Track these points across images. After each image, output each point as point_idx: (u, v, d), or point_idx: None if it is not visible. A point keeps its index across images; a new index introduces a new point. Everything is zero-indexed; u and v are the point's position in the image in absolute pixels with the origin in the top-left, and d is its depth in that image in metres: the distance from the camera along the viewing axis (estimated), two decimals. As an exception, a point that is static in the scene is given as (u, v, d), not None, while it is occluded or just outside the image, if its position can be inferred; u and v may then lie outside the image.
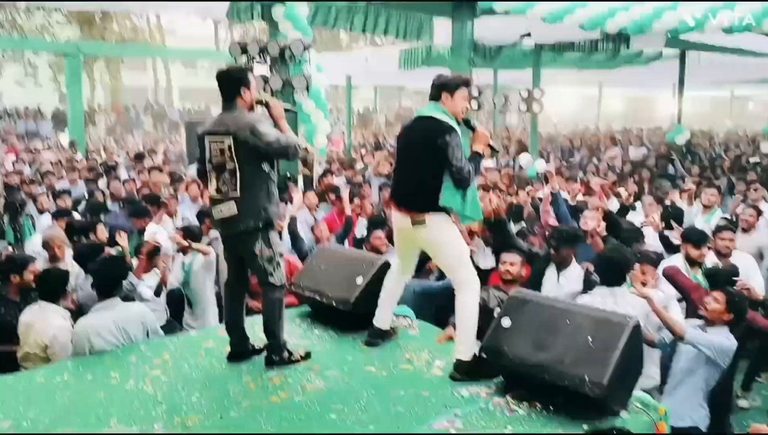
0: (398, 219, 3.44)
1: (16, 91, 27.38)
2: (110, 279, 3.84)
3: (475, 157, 3.39)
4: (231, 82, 3.41)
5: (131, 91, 29.84)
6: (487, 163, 12.13)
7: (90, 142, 17.41)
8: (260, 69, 8.58)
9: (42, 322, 3.78)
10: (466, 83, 3.46)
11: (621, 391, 3.03)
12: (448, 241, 3.36)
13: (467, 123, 3.51)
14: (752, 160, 13.14)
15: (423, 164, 3.29)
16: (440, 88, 3.40)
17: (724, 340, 3.79)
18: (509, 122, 17.49)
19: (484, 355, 3.26)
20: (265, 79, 8.40)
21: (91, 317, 3.73)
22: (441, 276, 4.84)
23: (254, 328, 3.62)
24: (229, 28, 26.78)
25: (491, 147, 3.53)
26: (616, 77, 18.58)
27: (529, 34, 11.80)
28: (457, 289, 3.40)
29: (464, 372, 3.30)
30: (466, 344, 3.33)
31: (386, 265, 4.05)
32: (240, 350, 3.57)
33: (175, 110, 27.88)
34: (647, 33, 9.84)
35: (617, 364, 2.91)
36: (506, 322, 3.29)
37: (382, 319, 3.76)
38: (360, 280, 3.97)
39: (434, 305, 4.63)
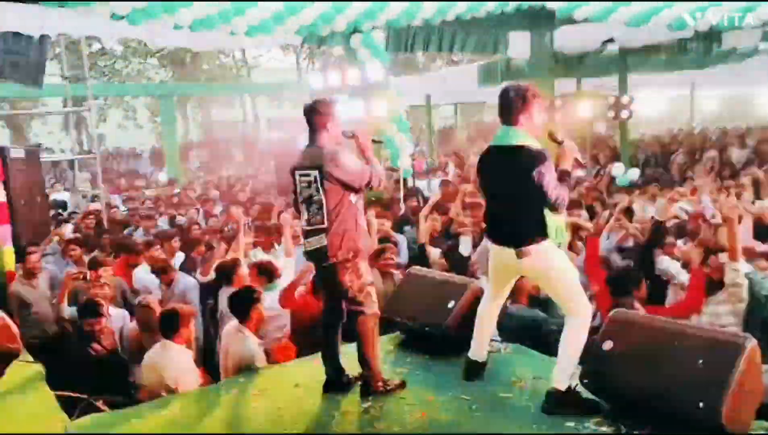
0: (499, 252, 3.28)
1: (118, 133, 29.33)
2: (240, 305, 4.16)
3: (565, 177, 3.18)
4: (317, 116, 3.48)
5: (221, 125, 31.23)
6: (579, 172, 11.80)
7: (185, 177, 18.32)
8: (340, 97, 8.76)
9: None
10: (536, 95, 3.20)
11: (741, 418, 2.81)
12: (556, 269, 3.18)
13: (552, 137, 3.32)
14: None
15: (519, 198, 3.12)
16: (516, 112, 3.15)
17: None
18: (597, 130, 17.03)
19: (579, 387, 3.12)
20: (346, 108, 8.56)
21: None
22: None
23: (349, 358, 3.64)
24: (310, 58, 27.58)
25: (578, 162, 3.34)
26: (709, 77, 17.64)
27: (612, 40, 11.43)
28: (568, 317, 3.21)
29: (557, 403, 3.13)
30: (565, 373, 3.15)
31: (478, 289, 3.98)
32: (335, 381, 3.58)
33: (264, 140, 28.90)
34: (741, 28, 9.31)
35: (734, 389, 2.71)
36: (608, 344, 3.14)
37: (477, 351, 3.58)
38: (452, 304, 3.92)
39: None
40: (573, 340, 3.16)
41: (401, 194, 8.98)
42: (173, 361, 3.88)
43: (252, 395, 3.56)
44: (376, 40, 8.76)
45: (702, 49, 11.32)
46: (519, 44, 10.96)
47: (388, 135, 8.56)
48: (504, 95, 3.21)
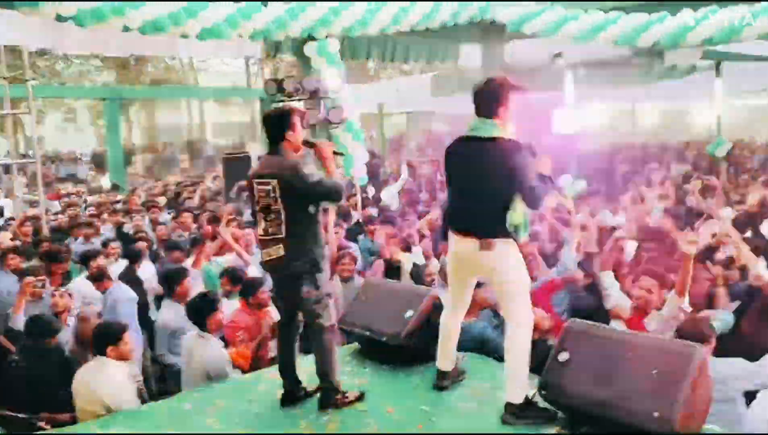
0: (459, 244, 3.21)
1: (57, 136, 28.26)
2: (199, 312, 4.09)
3: (544, 181, 3.16)
4: (277, 125, 3.42)
5: (167, 130, 30.50)
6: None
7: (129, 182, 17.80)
8: (295, 105, 8.67)
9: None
10: (515, 88, 3.18)
11: (693, 424, 2.90)
12: (513, 268, 3.16)
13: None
14: None
15: (491, 189, 3.07)
16: (495, 104, 3.13)
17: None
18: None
19: (536, 398, 3.13)
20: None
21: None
22: None
23: (307, 371, 3.57)
24: (260, 64, 27.28)
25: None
26: (650, 91, 18.34)
27: (560, 54, 11.72)
28: (509, 323, 3.21)
29: (514, 415, 3.13)
30: (518, 385, 3.14)
31: (435, 298, 3.98)
32: (293, 394, 3.52)
33: (210, 145, 28.39)
34: (681, 46, 9.67)
35: (686, 397, 2.78)
36: (563, 356, 3.18)
37: (444, 360, 3.56)
38: (409, 314, 3.90)
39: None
40: (519, 350, 3.14)
41: (358, 202, 8.94)
42: (109, 377, 3.64)
43: (206, 411, 3.45)
44: (330, 47, 8.72)
45: (645, 65, 11.74)
46: (472, 56, 11.14)
47: (343, 144, 8.51)
48: (483, 87, 3.19)
